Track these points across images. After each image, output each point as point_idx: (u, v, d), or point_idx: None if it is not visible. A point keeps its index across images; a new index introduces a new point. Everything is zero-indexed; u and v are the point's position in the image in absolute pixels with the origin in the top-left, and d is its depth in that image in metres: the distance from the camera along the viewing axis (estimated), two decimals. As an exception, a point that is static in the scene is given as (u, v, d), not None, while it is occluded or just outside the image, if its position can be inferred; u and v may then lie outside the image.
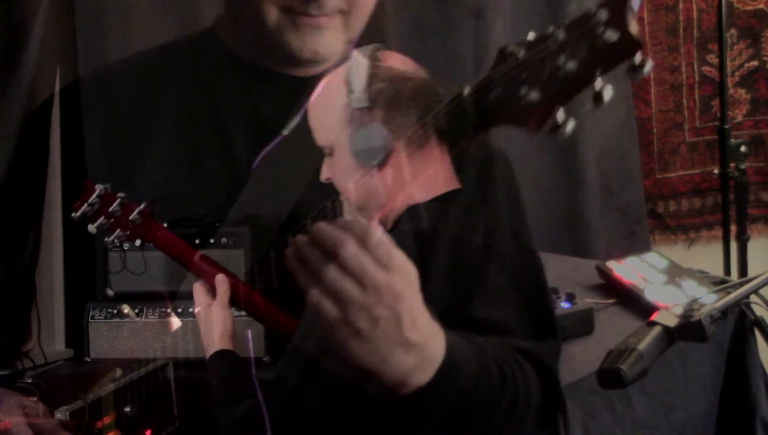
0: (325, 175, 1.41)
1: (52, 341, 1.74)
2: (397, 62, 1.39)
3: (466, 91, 0.96)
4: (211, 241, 1.59)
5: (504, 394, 1.19)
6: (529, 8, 3.03)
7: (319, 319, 0.97)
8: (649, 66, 0.84)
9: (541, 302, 1.36)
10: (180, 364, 1.53)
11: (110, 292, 1.59)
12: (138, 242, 1.53)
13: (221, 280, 1.43)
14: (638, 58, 0.84)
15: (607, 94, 0.85)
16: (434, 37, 2.85)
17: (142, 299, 1.60)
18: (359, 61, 1.34)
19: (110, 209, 1.49)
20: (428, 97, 1.34)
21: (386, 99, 1.32)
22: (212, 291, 1.45)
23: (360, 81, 1.32)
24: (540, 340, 1.33)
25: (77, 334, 1.64)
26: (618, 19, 0.84)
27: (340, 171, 1.37)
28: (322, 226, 0.96)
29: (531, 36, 0.92)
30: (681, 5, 3.31)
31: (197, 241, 1.59)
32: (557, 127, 0.88)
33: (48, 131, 1.69)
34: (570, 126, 0.88)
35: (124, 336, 1.61)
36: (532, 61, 0.89)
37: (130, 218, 1.49)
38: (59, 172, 1.79)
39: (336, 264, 0.95)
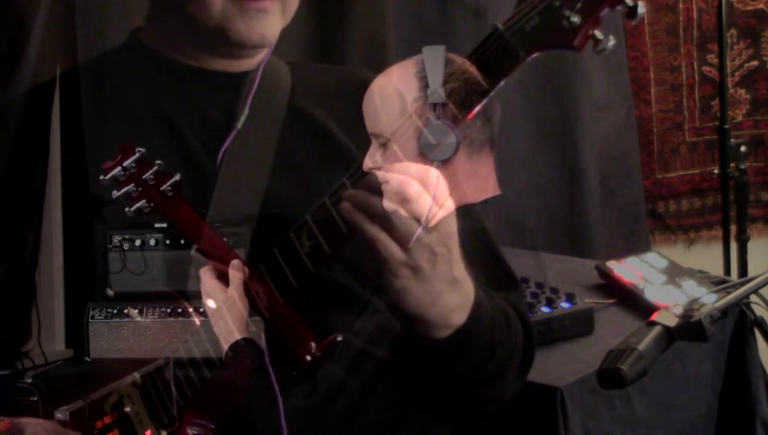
0: (370, 163, 1.39)
1: (52, 341, 1.74)
2: (468, 66, 1.37)
3: (501, 24, 1.04)
4: (211, 241, 1.58)
5: (510, 335, 1.28)
6: (529, 8, 3.03)
7: (383, 264, 1.05)
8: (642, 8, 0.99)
9: (500, 260, 1.46)
10: (180, 364, 1.52)
11: (110, 292, 1.58)
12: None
13: (238, 266, 1.42)
14: None
15: (641, 8, 0.99)
16: (434, 37, 2.85)
17: (142, 299, 1.60)
18: (436, 57, 1.32)
19: (144, 177, 1.46)
20: (492, 103, 1.34)
21: (460, 98, 1.29)
22: (223, 278, 1.43)
23: (437, 77, 1.30)
24: (510, 290, 1.41)
25: (77, 334, 1.63)
26: None
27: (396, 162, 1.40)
28: (384, 175, 1.04)
29: None
30: (681, 5, 3.31)
31: (197, 241, 1.59)
32: (598, 42, 1.02)
33: (48, 131, 1.69)
34: (611, 42, 1.02)
35: (124, 336, 1.61)
36: None
37: (161, 189, 1.45)
38: (59, 172, 1.79)
39: (402, 206, 1.02)
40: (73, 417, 1.42)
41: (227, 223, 1.57)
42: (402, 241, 1.04)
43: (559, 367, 1.84)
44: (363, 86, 1.55)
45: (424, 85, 1.31)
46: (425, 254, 1.05)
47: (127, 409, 1.47)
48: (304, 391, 1.31)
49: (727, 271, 2.97)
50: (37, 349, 1.70)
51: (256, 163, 1.56)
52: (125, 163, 1.45)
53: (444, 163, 1.25)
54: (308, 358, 1.31)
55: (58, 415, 1.41)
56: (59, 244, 1.75)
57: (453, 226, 1.07)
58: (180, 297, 1.55)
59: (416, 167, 1.05)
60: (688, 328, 1.38)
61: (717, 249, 3.07)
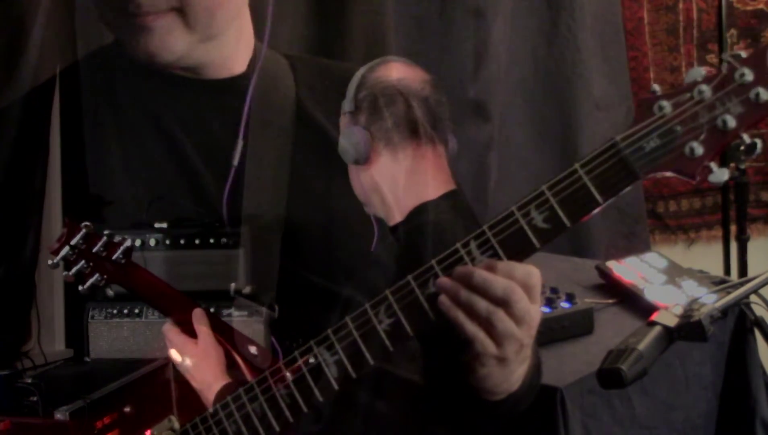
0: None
1: (52, 341, 1.74)
2: (389, 72, 1.51)
3: (619, 141, 1.02)
4: (211, 241, 1.58)
5: (539, 375, 1.33)
6: (529, 8, 3.03)
7: (474, 355, 1.09)
8: (726, 174, 0.99)
9: None
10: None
11: (110, 292, 1.58)
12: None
13: (201, 315, 1.41)
14: None
15: (759, 145, 0.99)
16: (434, 37, 2.85)
17: (142, 300, 1.60)
18: (358, 72, 1.50)
19: (94, 250, 1.42)
20: (407, 103, 1.47)
21: (368, 105, 1.47)
22: (187, 331, 1.41)
23: (351, 89, 1.48)
24: None
25: (77, 334, 1.63)
26: (765, 78, 0.96)
27: (349, 172, 1.53)
28: (489, 276, 1.06)
29: (658, 89, 1.02)
30: (681, 5, 3.31)
31: (197, 241, 1.59)
32: (711, 173, 1.00)
33: (48, 131, 1.69)
34: (726, 175, 0.99)
35: (124, 336, 1.61)
36: (686, 115, 0.99)
37: (113, 259, 1.41)
38: (59, 172, 1.79)
39: (504, 309, 1.05)
40: (73, 417, 1.41)
41: (228, 223, 1.57)
42: (499, 339, 1.07)
43: (559, 367, 1.84)
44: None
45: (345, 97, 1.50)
46: (515, 346, 1.09)
47: (127, 409, 1.47)
48: (311, 418, 1.31)
49: (727, 271, 2.97)
50: (37, 349, 1.70)
51: (274, 182, 1.57)
52: (72, 242, 1.42)
53: (365, 165, 1.45)
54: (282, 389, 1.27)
55: (58, 415, 1.41)
56: (59, 244, 1.74)
57: (539, 314, 1.11)
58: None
59: (520, 271, 1.07)
60: (688, 328, 1.38)
61: (717, 249, 3.07)
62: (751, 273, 2.82)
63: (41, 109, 1.64)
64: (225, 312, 1.54)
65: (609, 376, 1.34)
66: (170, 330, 1.43)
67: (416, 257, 1.30)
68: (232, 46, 1.60)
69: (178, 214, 1.61)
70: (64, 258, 1.42)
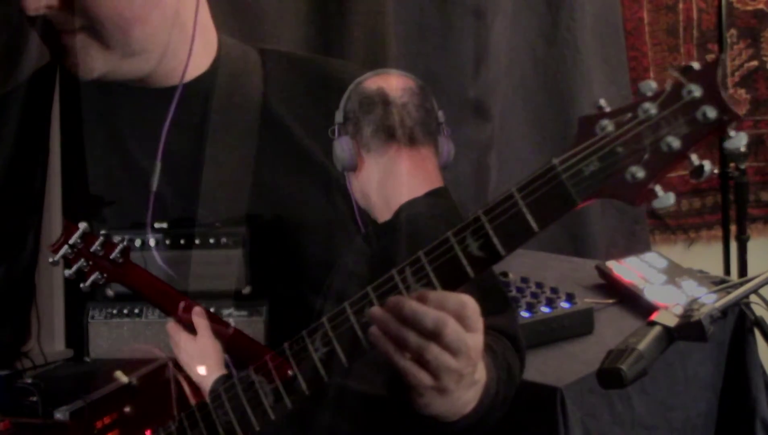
0: None
1: (52, 341, 1.74)
2: (376, 82, 1.54)
3: (558, 163, 0.95)
4: (211, 241, 1.58)
5: (510, 386, 1.30)
6: (529, 8, 3.04)
7: (409, 387, 1.05)
8: (745, 138, 0.91)
9: (494, 280, 1.47)
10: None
11: (110, 292, 1.58)
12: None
13: (200, 312, 1.44)
14: (732, 130, 0.90)
15: (708, 168, 0.92)
16: (434, 37, 2.85)
17: (143, 299, 1.60)
18: (351, 85, 1.54)
19: (92, 249, 1.45)
20: (384, 109, 1.51)
21: (353, 115, 1.51)
22: (188, 328, 1.44)
23: (342, 101, 1.52)
24: (503, 313, 1.42)
25: (77, 334, 1.63)
26: (713, 96, 0.89)
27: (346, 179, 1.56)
28: (420, 309, 1.01)
29: (605, 106, 0.95)
30: (681, 5, 3.31)
31: (197, 241, 1.59)
32: (656, 198, 0.94)
33: (48, 131, 1.69)
34: (671, 200, 0.94)
35: (124, 336, 1.61)
36: (628, 136, 0.92)
37: (111, 258, 1.44)
38: (59, 172, 1.79)
39: (437, 342, 1.01)
40: (73, 417, 1.41)
41: (227, 223, 1.57)
42: (433, 371, 1.03)
43: (559, 367, 1.84)
44: (334, 85, 1.59)
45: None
46: (454, 377, 1.05)
47: (127, 409, 1.47)
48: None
49: (727, 271, 2.97)
50: (37, 349, 1.70)
51: (234, 189, 1.57)
52: (71, 241, 1.45)
53: (354, 172, 1.50)
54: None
55: (58, 415, 1.41)
56: (59, 244, 1.74)
57: (480, 342, 1.06)
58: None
59: (453, 301, 1.02)
60: (688, 328, 1.38)
61: (717, 249, 3.07)
62: (751, 273, 2.83)
63: (41, 109, 1.64)
64: (225, 312, 1.54)
65: (609, 376, 1.34)
66: (172, 328, 1.46)
67: (391, 255, 1.30)
68: (176, 57, 1.57)
69: (178, 214, 1.61)
70: (63, 256, 1.45)
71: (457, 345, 1.02)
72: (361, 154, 1.52)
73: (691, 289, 2.11)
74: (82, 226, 1.45)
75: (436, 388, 1.05)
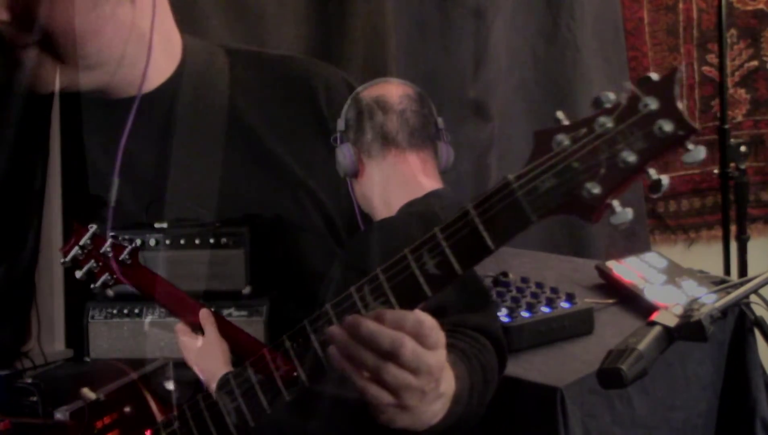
0: None
1: (52, 341, 1.74)
2: (375, 91, 1.58)
3: (513, 180, 0.93)
4: (211, 241, 1.58)
5: (486, 388, 1.30)
6: (529, 8, 3.04)
7: (372, 405, 1.04)
8: (703, 152, 0.88)
9: (475, 279, 1.46)
10: (180, 364, 1.52)
11: (110, 292, 1.58)
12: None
13: (207, 314, 1.44)
14: (690, 143, 0.87)
15: (665, 182, 0.89)
16: (434, 37, 2.85)
17: (142, 299, 1.60)
18: (352, 94, 1.59)
19: (101, 251, 1.46)
20: (382, 116, 1.55)
21: (353, 122, 1.55)
22: (197, 329, 1.45)
23: (343, 110, 1.56)
24: (482, 310, 1.41)
25: (77, 334, 1.64)
26: (670, 109, 0.86)
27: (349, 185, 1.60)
28: (376, 329, 1.00)
29: (563, 118, 0.92)
30: (681, 5, 3.31)
31: (197, 241, 1.59)
32: (614, 213, 0.90)
33: (48, 131, 1.69)
34: (629, 216, 0.90)
35: (124, 336, 1.61)
36: (584, 151, 0.90)
37: (120, 259, 1.45)
38: (59, 172, 1.79)
39: (395, 362, 1.00)
40: (73, 417, 1.41)
41: (227, 223, 1.57)
42: (393, 390, 1.03)
43: (559, 367, 1.84)
44: (302, 85, 1.60)
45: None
46: (416, 395, 1.04)
47: (127, 409, 1.47)
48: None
49: (727, 271, 2.97)
50: (37, 349, 1.70)
51: (201, 197, 1.57)
52: (81, 243, 1.46)
53: (355, 177, 1.54)
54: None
55: (58, 415, 1.41)
56: (59, 244, 1.74)
57: (442, 358, 1.05)
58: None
59: (410, 320, 1.01)
60: (688, 328, 1.38)
61: (717, 249, 3.07)
62: (751, 273, 2.83)
63: (41, 109, 1.64)
64: (225, 312, 1.54)
65: (609, 376, 1.34)
66: (180, 329, 1.47)
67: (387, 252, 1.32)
68: (135, 67, 1.56)
69: (177, 214, 1.61)
70: (74, 258, 1.46)
71: (415, 364, 1.01)
72: (362, 160, 1.55)
73: (691, 289, 2.11)
74: (92, 227, 1.46)
75: (398, 406, 1.05)
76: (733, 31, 3.31)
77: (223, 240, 1.56)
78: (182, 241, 1.57)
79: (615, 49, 3.17)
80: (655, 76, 0.88)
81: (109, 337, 1.61)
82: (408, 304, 1.02)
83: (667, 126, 0.86)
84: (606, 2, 3.16)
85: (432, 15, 2.84)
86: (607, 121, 0.89)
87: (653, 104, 0.87)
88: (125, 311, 1.60)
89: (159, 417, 1.40)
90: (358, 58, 2.59)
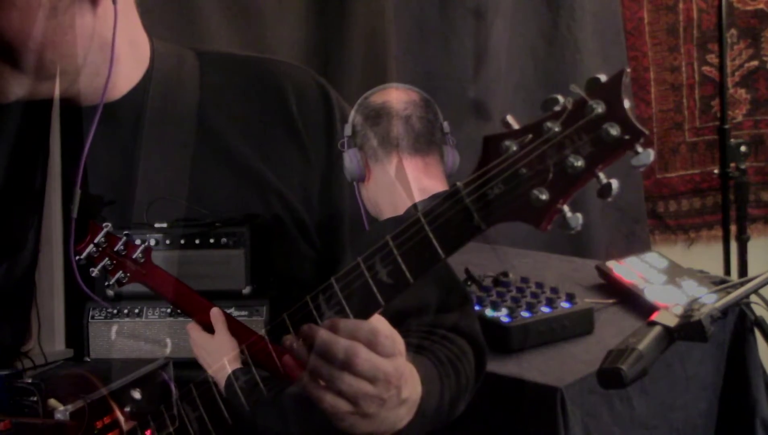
0: None
1: (52, 341, 1.74)
2: (380, 96, 1.65)
3: (462, 187, 0.92)
4: (211, 241, 1.58)
5: (460, 387, 1.29)
6: (529, 8, 3.04)
7: (329, 414, 1.03)
8: (651, 155, 0.85)
9: (448, 273, 1.44)
10: (180, 364, 1.52)
11: (110, 292, 1.59)
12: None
13: (218, 313, 1.45)
14: (639, 146, 0.85)
15: (615, 186, 0.86)
16: (434, 37, 2.85)
17: (142, 299, 1.60)
18: (358, 100, 1.65)
19: (115, 249, 1.48)
20: (388, 122, 1.61)
21: (360, 128, 1.61)
22: (208, 328, 1.46)
23: (350, 115, 1.59)
24: (461, 308, 1.40)
25: (77, 334, 1.64)
26: (617, 112, 0.84)
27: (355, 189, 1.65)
28: (330, 338, 1.00)
29: (512, 123, 0.91)
30: (681, 5, 3.31)
31: (197, 241, 1.59)
32: (565, 219, 0.89)
33: (48, 131, 1.69)
34: (579, 221, 0.88)
35: (124, 336, 1.61)
36: (531, 156, 0.88)
37: (134, 257, 1.48)
38: (59, 173, 1.78)
39: (350, 371, 1.00)
40: (73, 417, 1.41)
41: (228, 223, 1.57)
42: (350, 398, 1.02)
43: (559, 367, 1.84)
44: (271, 86, 1.60)
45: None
46: (374, 402, 1.03)
47: (127, 409, 1.47)
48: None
49: (727, 271, 2.97)
50: (37, 349, 1.70)
51: (170, 203, 1.57)
52: (96, 240, 1.48)
53: (362, 182, 1.60)
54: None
55: (58, 415, 1.41)
56: (59, 244, 1.74)
57: (403, 366, 1.05)
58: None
59: (364, 329, 1.01)
60: (688, 328, 1.38)
61: (717, 249, 3.07)
62: (751, 273, 2.83)
63: (41, 109, 1.64)
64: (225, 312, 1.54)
65: (609, 376, 1.34)
66: (192, 327, 1.48)
67: None
68: (99, 75, 1.55)
69: (177, 214, 1.61)
70: (89, 255, 1.48)
71: (371, 373, 1.01)
72: (368, 165, 1.62)
73: (692, 289, 2.11)
74: (107, 226, 1.48)
75: (357, 413, 1.04)
76: (733, 31, 3.31)
77: (223, 240, 1.56)
78: (182, 241, 1.57)
79: (615, 49, 3.17)
80: (603, 77, 0.86)
81: (109, 336, 1.61)
82: (362, 313, 1.01)
83: (614, 130, 0.84)
84: (606, 2, 3.16)
85: (432, 15, 2.84)
86: (554, 126, 0.87)
87: (599, 107, 0.85)
88: (125, 311, 1.60)
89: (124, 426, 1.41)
90: (358, 59, 2.59)
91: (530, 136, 0.88)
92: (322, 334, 1.00)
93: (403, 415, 1.11)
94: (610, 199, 0.88)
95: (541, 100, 2.69)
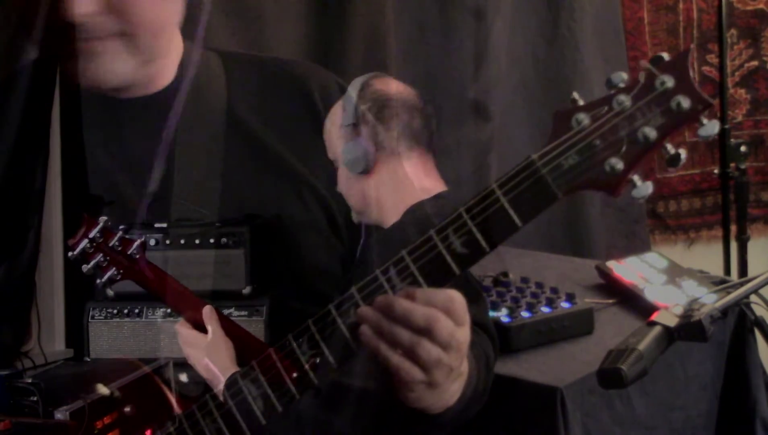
0: (338, 188, 1.58)
1: (52, 341, 1.74)
2: (387, 86, 1.55)
3: (537, 158, 0.96)
4: (211, 241, 1.58)
5: (488, 375, 1.35)
6: (529, 8, 3.04)
7: (401, 383, 1.06)
8: (716, 126, 0.93)
9: (467, 272, 1.47)
10: (180, 364, 1.52)
11: (110, 292, 1.58)
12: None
13: (210, 312, 1.44)
14: (704, 118, 0.92)
15: (683, 155, 0.93)
16: (434, 37, 2.85)
17: (143, 299, 1.60)
18: (353, 85, 1.54)
19: (110, 244, 1.45)
20: (410, 114, 1.53)
21: (372, 116, 1.51)
22: (198, 327, 1.45)
23: (350, 102, 1.51)
24: (475, 303, 1.41)
25: (77, 334, 1.64)
26: (686, 85, 0.92)
27: (342, 181, 1.55)
28: (410, 306, 1.03)
29: (578, 98, 0.96)
30: (681, 5, 3.31)
31: (197, 241, 1.59)
32: (635, 187, 0.95)
33: (48, 131, 1.69)
34: (649, 189, 0.94)
35: (124, 336, 1.61)
36: (605, 128, 0.94)
37: (128, 253, 1.45)
38: (59, 173, 1.79)
39: (428, 337, 1.03)
40: (73, 417, 1.41)
41: (228, 223, 1.57)
42: (425, 366, 1.05)
43: (559, 367, 1.84)
44: (298, 86, 1.60)
45: (343, 110, 1.53)
46: (444, 371, 1.07)
47: (127, 409, 1.47)
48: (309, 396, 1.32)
49: (727, 271, 2.97)
50: (37, 349, 1.70)
51: (205, 192, 1.57)
52: (90, 235, 1.45)
53: (368, 174, 1.50)
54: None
55: (58, 415, 1.41)
56: (59, 244, 1.74)
57: (468, 336, 1.09)
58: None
59: (441, 297, 1.04)
60: (688, 328, 1.38)
61: (717, 249, 3.07)
62: (751, 273, 2.83)
63: (41, 109, 1.64)
64: (225, 312, 1.54)
65: (609, 376, 1.34)
66: (182, 325, 1.47)
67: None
68: (163, 64, 1.58)
69: (178, 214, 1.62)
70: (83, 251, 1.45)
71: (447, 340, 1.04)
72: (379, 157, 1.51)
73: (692, 289, 2.11)
74: (103, 220, 1.45)
75: (427, 383, 1.07)
76: (733, 31, 3.31)
77: (223, 240, 1.56)
78: (182, 241, 1.57)
79: (615, 49, 3.17)
80: (666, 55, 0.93)
81: (109, 337, 1.61)
82: (436, 283, 1.04)
83: (685, 102, 0.91)
84: (606, 2, 3.16)
85: (432, 15, 2.84)
86: (626, 100, 0.93)
87: (669, 82, 0.91)
88: (125, 311, 1.60)
89: (177, 410, 1.39)
90: (358, 59, 2.59)
91: (604, 108, 0.94)
92: (402, 302, 1.03)
93: (456, 391, 1.15)
94: (678, 167, 0.95)
95: (541, 100, 2.70)
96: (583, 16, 3.06)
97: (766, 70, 3.36)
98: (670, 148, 0.94)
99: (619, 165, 0.93)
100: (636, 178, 0.95)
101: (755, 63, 3.36)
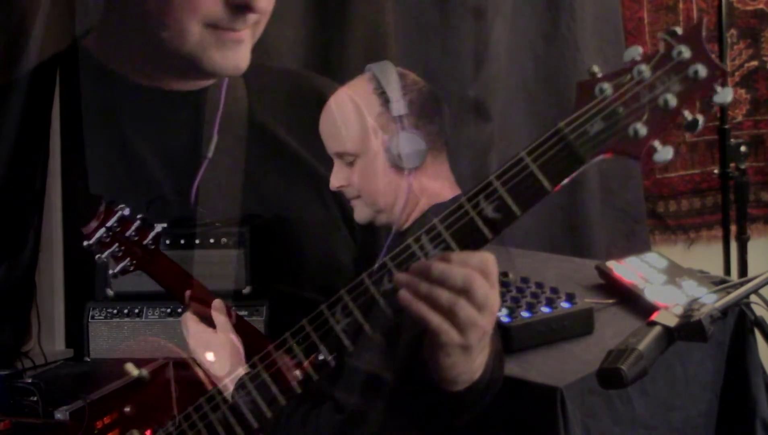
0: (337, 183, 1.53)
1: (52, 341, 1.74)
2: (415, 78, 1.52)
3: (563, 126, 1.01)
4: (211, 241, 1.59)
5: (500, 362, 1.36)
6: (529, 8, 3.04)
7: (438, 347, 1.09)
8: (730, 94, 0.99)
9: None
10: (180, 364, 1.52)
11: (110, 293, 1.59)
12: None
13: (220, 306, 1.43)
14: (718, 86, 0.99)
15: (701, 121, 0.98)
16: (434, 37, 2.85)
17: (142, 299, 1.60)
18: (389, 73, 1.47)
19: (127, 234, 1.43)
20: (441, 107, 1.51)
21: (417, 108, 1.46)
22: (206, 320, 1.43)
23: (396, 91, 1.46)
24: None
25: (77, 334, 1.64)
26: (701, 54, 0.99)
27: (367, 176, 1.50)
28: (447, 267, 1.06)
29: (598, 71, 1.01)
30: (681, 5, 3.31)
31: (197, 241, 1.59)
32: (656, 152, 1.00)
33: (48, 131, 1.69)
34: (670, 154, 1.00)
35: (124, 336, 1.61)
36: (627, 96, 0.99)
37: (144, 244, 1.43)
38: (59, 173, 1.79)
39: (466, 298, 1.06)
40: (73, 417, 1.41)
41: (227, 223, 1.57)
42: (462, 328, 1.08)
43: (559, 367, 1.84)
44: (316, 95, 1.62)
45: (384, 100, 1.46)
46: (478, 334, 1.10)
47: (127, 409, 1.47)
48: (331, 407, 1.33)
49: (727, 271, 2.97)
50: (37, 349, 1.70)
51: (229, 188, 1.58)
52: (108, 224, 1.43)
53: (416, 170, 1.46)
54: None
55: (58, 415, 1.41)
56: (59, 244, 1.75)
57: (498, 300, 1.11)
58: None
59: (476, 258, 1.07)
60: (688, 328, 1.38)
61: (717, 249, 3.07)
62: (751, 273, 2.82)
63: (41, 110, 1.64)
64: (225, 312, 1.54)
65: (609, 376, 1.34)
66: (189, 319, 1.44)
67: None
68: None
69: (178, 214, 1.62)
70: (99, 240, 1.43)
71: (483, 300, 1.07)
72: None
73: (692, 289, 2.10)
74: (122, 208, 1.44)
75: (463, 345, 1.10)
76: (733, 31, 3.31)
77: (223, 240, 1.57)
78: (182, 241, 1.57)
79: (615, 49, 3.17)
80: (679, 29, 0.99)
81: (109, 337, 1.61)
82: (468, 247, 1.08)
83: (702, 70, 0.98)
84: (606, 2, 3.16)
85: (432, 15, 2.84)
86: (645, 69, 0.98)
87: (686, 52, 0.98)
88: (125, 311, 1.60)
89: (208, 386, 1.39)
90: (359, 59, 2.59)
91: (625, 78, 0.99)
92: (439, 264, 1.07)
93: (480, 364, 1.18)
94: (696, 132, 1.01)
95: (541, 99, 2.71)
96: (583, 16, 3.06)
97: (766, 70, 3.36)
98: (688, 115, 0.98)
99: (643, 130, 0.98)
100: (656, 143, 0.99)
101: (755, 63, 3.35)
